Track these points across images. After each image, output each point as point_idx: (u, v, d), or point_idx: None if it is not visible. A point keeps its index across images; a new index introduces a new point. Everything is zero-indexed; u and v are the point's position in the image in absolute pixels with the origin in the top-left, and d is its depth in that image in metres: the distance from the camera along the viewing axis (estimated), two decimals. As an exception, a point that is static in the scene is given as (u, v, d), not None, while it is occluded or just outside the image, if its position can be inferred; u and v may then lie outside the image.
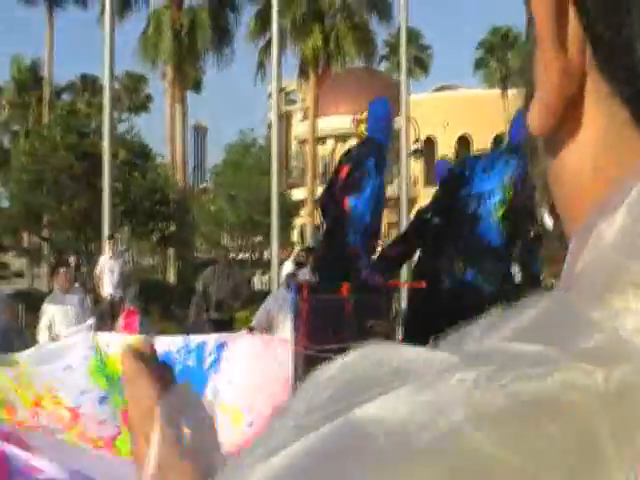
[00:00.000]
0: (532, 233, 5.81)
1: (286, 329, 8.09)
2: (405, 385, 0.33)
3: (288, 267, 11.94)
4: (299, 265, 13.69)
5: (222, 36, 28.81)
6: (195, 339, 8.13)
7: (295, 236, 52.59)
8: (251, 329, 9.25)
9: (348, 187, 5.86)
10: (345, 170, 5.96)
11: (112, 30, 19.25)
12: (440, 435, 0.31)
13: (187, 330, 12.98)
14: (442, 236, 5.88)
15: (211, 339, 8.13)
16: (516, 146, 5.78)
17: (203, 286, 15.39)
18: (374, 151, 5.95)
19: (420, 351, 0.35)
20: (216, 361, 7.69)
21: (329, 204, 6.09)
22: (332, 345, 5.06)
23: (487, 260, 5.66)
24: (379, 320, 5.34)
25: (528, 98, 0.43)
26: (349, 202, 5.77)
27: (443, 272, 5.75)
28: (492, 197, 5.68)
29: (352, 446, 0.32)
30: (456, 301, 5.50)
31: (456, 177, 6.00)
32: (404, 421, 0.32)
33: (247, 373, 7.57)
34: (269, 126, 78.18)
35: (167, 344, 7.96)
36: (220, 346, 7.83)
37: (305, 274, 11.22)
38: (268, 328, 9.61)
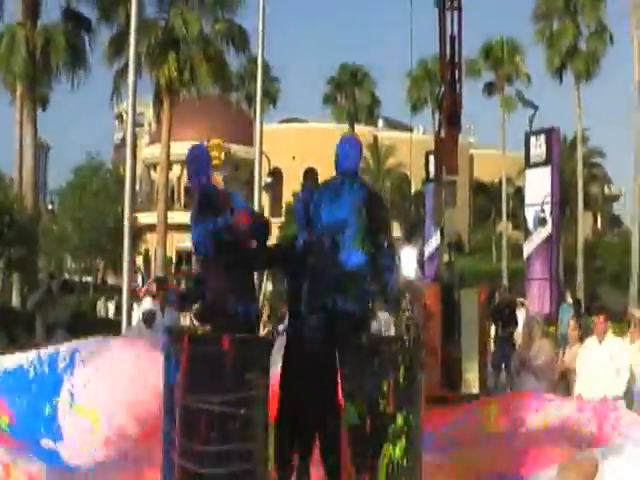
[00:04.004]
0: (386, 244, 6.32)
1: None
2: None
3: (147, 303, 12.14)
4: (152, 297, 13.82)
5: (76, 57, 28.59)
6: (47, 350, 8.16)
7: (140, 261, 52.12)
8: None
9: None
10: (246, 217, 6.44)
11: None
12: None
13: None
14: (304, 271, 6.40)
15: (64, 347, 8.19)
16: (346, 172, 6.38)
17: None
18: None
19: None
20: (70, 365, 7.78)
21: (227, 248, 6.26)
22: (211, 397, 5.13)
23: (354, 284, 6.13)
24: (258, 373, 5.30)
25: None
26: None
27: (315, 306, 6.22)
28: (348, 226, 6.16)
29: None
30: (330, 330, 6.03)
31: (306, 211, 6.52)
32: None
33: (104, 377, 7.71)
34: (115, 148, 76.60)
35: (18, 359, 8.00)
36: (74, 352, 7.93)
37: (174, 316, 11.50)
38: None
